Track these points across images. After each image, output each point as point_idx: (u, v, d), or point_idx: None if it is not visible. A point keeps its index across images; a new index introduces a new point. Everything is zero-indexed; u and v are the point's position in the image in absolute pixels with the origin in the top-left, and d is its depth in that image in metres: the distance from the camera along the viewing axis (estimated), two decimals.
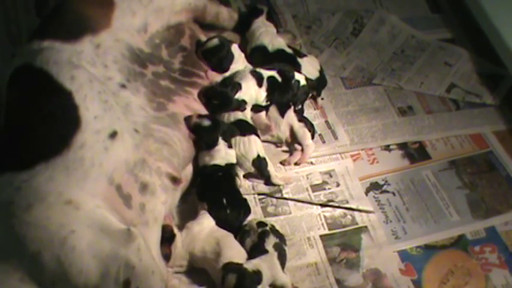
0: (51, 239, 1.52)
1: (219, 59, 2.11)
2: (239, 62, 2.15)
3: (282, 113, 2.08)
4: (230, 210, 1.85)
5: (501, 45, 2.28)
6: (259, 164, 1.97)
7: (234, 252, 1.74)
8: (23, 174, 1.61)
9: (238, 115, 2.03)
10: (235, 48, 2.15)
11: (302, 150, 2.07)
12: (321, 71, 2.23)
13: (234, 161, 1.95)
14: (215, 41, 2.11)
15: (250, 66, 2.17)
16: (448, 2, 2.60)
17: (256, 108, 2.09)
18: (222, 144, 1.94)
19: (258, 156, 1.97)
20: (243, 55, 2.18)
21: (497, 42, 2.30)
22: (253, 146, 1.97)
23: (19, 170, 1.63)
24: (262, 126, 2.08)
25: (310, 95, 2.20)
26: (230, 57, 2.12)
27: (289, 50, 2.23)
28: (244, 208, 1.89)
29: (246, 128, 2.01)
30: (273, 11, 2.47)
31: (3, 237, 1.55)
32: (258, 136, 2.01)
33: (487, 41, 2.34)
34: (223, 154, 1.93)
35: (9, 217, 1.56)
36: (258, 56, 2.23)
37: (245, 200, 1.91)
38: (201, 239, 1.77)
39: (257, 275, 1.68)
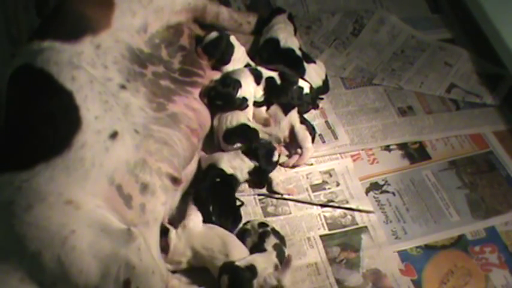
0: (52, 239, 1.52)
1: (221, 51, 2.10)
2: (239, 53, 2.14)
3: (286, 112, 2.07)
4: (215, 218, 1.83)
5: (501, 45, 2.28)
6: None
7: (240, 251, 1.74)
8: (23, 174, 1.61)
9: (241, 118, 2.01)
10: (233, 39, 2.14)
11: (301, 152, 2.06)
12: (325, 81, 2.21)
13: (239, 176, 1.94)
14: (214, 34, 2.11)
15: (249, 60, 2.17)
16: (448, 2, 2.59)
17: (257, 104, 2.09)
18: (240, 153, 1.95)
19: None
20: (243, 48, 2.17)
21: (497, 42, 2.30)
22: None
23: (19, 170, 1.62)
24: (262, 120, 2.08)
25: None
26: (231, 49, 2.12)
27: (298, 52, 2.21)
28: (232, 218, 1.86)
29: (249, 137, 2.00)
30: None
31: (4, 237, 1.55)
32: None
33: (487, 41, 2.34)
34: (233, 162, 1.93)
35: (10, 217, 1.56)
36: (268, 48, 2.21)
37: (236, 210, 1.88)
38: (199, 234, 1.77)
39: (250, 270, 1.66)
